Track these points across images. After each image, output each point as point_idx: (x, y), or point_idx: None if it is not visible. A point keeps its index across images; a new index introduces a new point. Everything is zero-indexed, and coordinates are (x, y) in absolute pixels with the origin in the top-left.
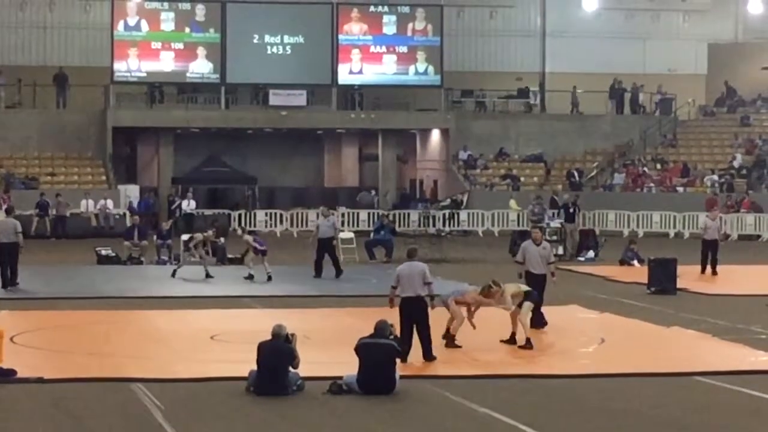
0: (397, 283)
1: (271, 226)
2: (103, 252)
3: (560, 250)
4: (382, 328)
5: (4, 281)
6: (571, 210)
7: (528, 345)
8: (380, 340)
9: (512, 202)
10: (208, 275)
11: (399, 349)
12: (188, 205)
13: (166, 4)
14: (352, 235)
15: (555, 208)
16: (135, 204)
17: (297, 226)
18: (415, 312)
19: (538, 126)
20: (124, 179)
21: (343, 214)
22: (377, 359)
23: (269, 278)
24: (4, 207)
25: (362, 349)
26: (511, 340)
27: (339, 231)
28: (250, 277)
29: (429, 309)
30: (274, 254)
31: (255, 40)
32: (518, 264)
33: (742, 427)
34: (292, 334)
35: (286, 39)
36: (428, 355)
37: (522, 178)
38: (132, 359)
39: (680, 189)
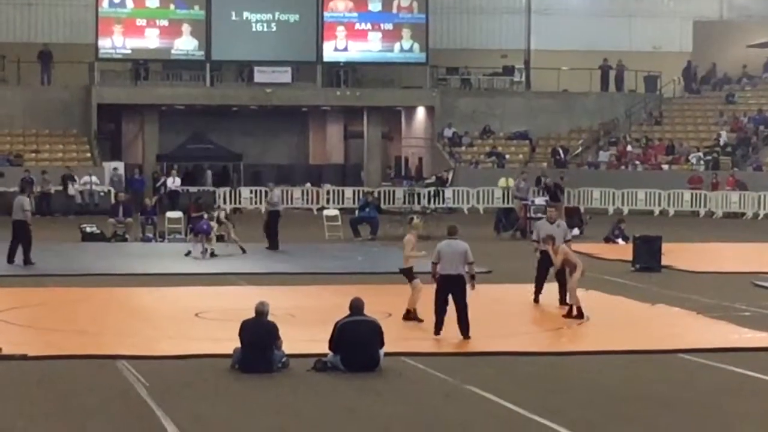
0: (438, 259)
1: (256, 203)
2: (88, 229)
3: None
4: (358, 305)
5: (9, 256)
6: (553, 190)
7: (579, 314)
8: (362, 318)
9: (502, 180)
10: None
11: (381, 327)
12: (173, 182)
13: None
14: (337, 212)
15: (539, 186)
16: (123, 180)
17: (282, 204)
18: (454, 290)
19: (523, 103)
20: (108, 156)
21: (328, 192)
22: (361, 337)
23: (212, 254)
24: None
25: (346, 329)
26: (570, 314)
27: (272, 205)
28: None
29: (470, 288)
30: (258, 231)
31: (240, 17)
32: (534, 242)
33: (725, 404)
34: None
35: (271, 16)
36: (466, 333)
37: (507, 156)
38: (116, 336)
39: (665, 167)
